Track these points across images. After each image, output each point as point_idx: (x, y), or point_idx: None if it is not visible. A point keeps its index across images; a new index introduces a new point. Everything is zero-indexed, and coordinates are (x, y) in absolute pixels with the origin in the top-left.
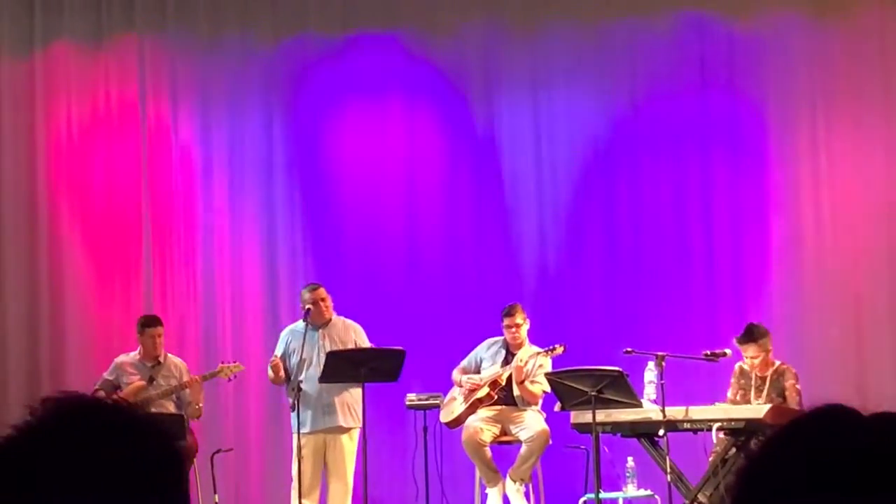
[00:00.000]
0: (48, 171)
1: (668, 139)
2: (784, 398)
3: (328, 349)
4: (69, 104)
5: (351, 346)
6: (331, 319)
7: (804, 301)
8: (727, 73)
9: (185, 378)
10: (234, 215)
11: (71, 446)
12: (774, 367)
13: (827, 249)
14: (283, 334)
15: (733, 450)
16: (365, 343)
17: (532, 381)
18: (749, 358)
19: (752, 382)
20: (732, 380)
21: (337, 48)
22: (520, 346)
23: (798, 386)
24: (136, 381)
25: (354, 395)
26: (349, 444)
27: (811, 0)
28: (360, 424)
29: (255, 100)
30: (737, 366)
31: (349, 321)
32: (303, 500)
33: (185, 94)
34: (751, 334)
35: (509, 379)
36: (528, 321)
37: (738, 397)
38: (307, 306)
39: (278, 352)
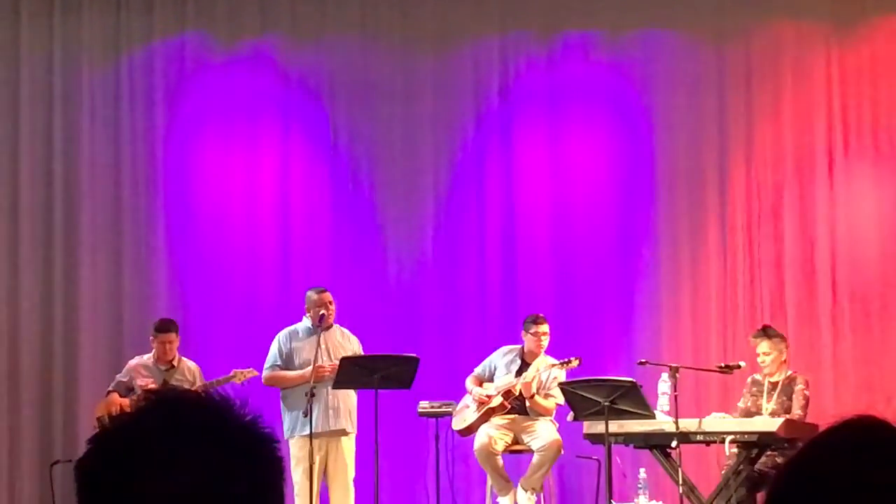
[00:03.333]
0: (66, 176)
1: (684, 151)
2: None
3: (331, 353)
4: (88, 111)
5: (349, 353)
6: (332, 325)
7: (820, 313)
8: (745, 86)
9: (199, 382)
10: (251, 221)
11: (172, 439)
12: (787, 374)
13: (842, 261)
14: (282, 336)
15: (746, 462)
16: (360, 353)
17: (546, 395)
18: (762, 354)
19: (764, 388)
20: (744, 390)
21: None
22: (537, 355)
23: (807, 392)
24: (150, 385)
25: (354, 399)
26: (350, 448)
27: (831, 13)
28: (356, 430)
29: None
30: (749, 378)
31: (345, 330)
32: None
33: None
34: (765, 331)
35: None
36: None
37: (748, 405)
38: (321, 309)
39: (275, 353)
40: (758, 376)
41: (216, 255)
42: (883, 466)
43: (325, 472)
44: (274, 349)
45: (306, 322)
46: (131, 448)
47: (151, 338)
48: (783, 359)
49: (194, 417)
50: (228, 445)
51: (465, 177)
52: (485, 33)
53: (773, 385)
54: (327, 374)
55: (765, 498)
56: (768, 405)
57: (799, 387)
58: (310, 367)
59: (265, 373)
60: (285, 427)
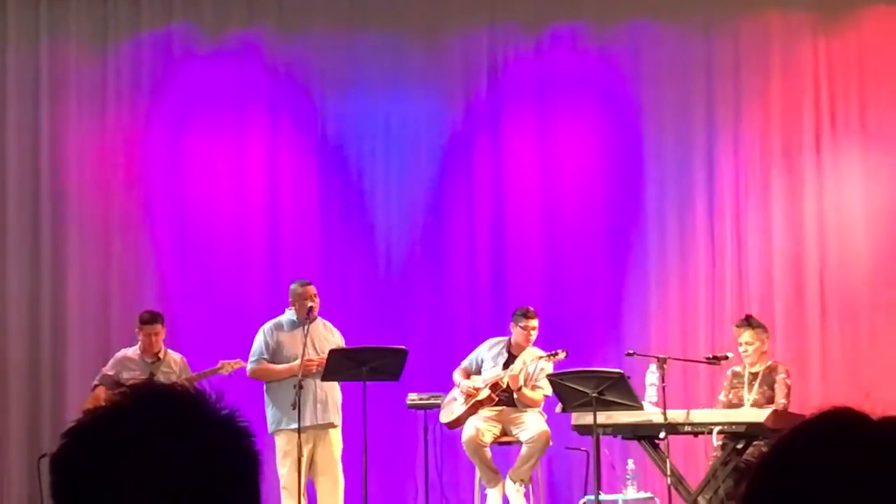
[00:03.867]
0: (52, 168)
1: (673, 147)
2: (774, 393)
3: (316, 346)
4: (74, 102)
5: (333, 346)
6: (316, 317)
7: (807, 304)
8: (733, 76)
9: (185, 374)
10: (236, 214)
11: (149, 432)
12: (768, 364)
13: (831, 253)
14: (267, 328)
15: (734, 453)
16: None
17: (534, 387)
18: (744, 344)
19: (745, 379)
20: (725, 383)
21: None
22: (524, 348)
23: (789, 381)
24: (136, 377)
25: (339, 393)
26: (338, 440)
27: (818, 3)
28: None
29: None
30: (729, 371)
31: (328, 323)
32: (302, 500)
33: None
34: (748, 321)
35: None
36: None
37: (730, 397)
38: (309, 302)
39: (260, 346)
40: (738, 368)
41: (204, 247)
42: (857, 458)
43: (311, 466)
44: (259, 342)
45: (290, 315)
46: (107, 441)
47: (137, 330)
48: (764, 349)
49: (170, 411)
50: (205, 439)
51: (455, 168)
52: (473, 25)
53: (754, 375)
54: (315, 367)
55: (744, 488)
56: (750, 395)
57: (780, 376)
58: (297, 361)
59: (250, 366)
60: (269, 420)
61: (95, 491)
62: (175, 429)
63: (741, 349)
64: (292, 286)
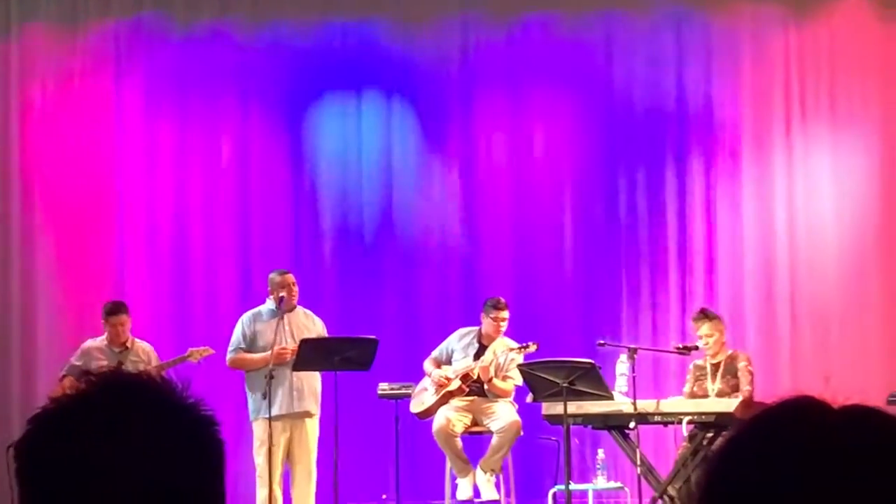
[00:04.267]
0: (22, 155)
1: (645, 136)
2: (738, 381)
3: (294, 335)
4: (44, 88)
5: (314, 335)
6: (295, 306)
7: (776, 296)
8: (704, 66)
9: (154, 362)
10: (207, 202)
11: (114, 420)
12: (728, 354)
13: (799, 247)
14: (245, 318)
15: (703, 443)
16: (325, 335)
17: (504, 377)
18: (704, 336)
19: (707, 371)
20: (688, 376)
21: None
22: (494, 339)
23: (751, 368)
24: (105, 367)
25: (317, 381)
26: (313, 430)
27: None
28: (319, 412)
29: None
30: (692, 364)
31: (309, 311)
32: (274, 488)
33: (160, 80)
34: (705, 313)
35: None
36: None
37: (695, 389)
38: (281, 292)
39: (238, 336)
40: (699, 361)
41: (174, 235)
42: (816, 445)
43: (288, 454)
44: (238, 332)
45: (269, 304)
46: (73, 427)
47: (103, 321)
48: (723, 339)
49: (136, 399)
50: (170, 427)
51: (426, 158)
52: (445, 13)
53: (716, 366)
54: (288, 356)
55: (703, 476)
56: (714, 386)
57: (742, 364)
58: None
59: (229, 356)
60: (250, 409)
61: (59, 477)
62: (140, 417)
63: (701, 342)
64: (271, 275)
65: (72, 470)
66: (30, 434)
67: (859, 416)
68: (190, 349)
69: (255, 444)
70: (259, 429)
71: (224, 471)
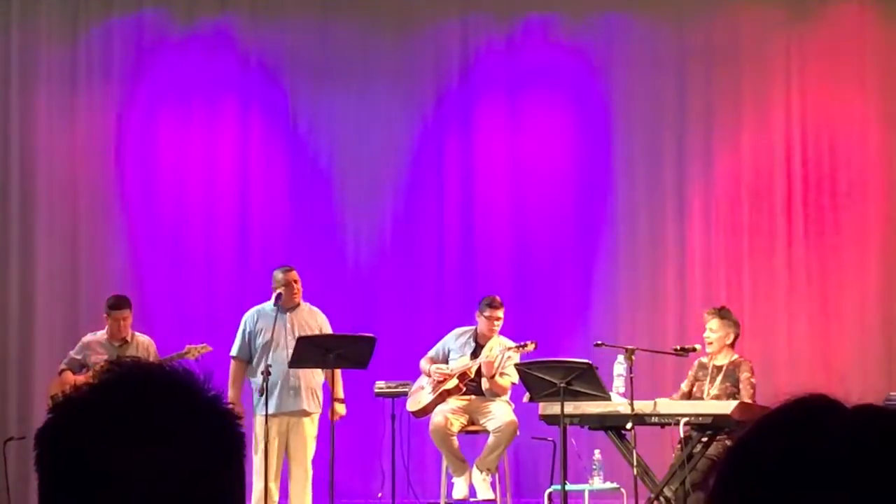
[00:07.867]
0: (21, 153)
1: (643, 134)
2: (738, 390)
3: (295, 333)
4: (44, 88)
5: (316, 332)
6: (299, 304)
7: (776, 298)
8: (704, 70)
9: (153, 357)
10: (207, 200)
11: (133, 410)
12: (732, 359)
13: (799, 246)
14: (248, 315)
15: (699, 445)
16: (328, 331)
17: (501, 374)
18: (709, 331)
19: (709, 372)
20: (690, 372)
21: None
22: (489, 338)
23: (753, 380)
24: (104, 361)
25: (318, 379)
26: (311, 429)
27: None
28: (321, 410)
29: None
30: (697, 361)
31: (315, 308)
32: (269, 484)
33: (161, 77)
34: (720, 310)
35: (478, 370)
36: None
37: (693, 388)
38: (280, 289)
39: (239, 336)
40: (704, 360)
41: (174, 234)
42: (828, 444)
43: (287, 452)
44: (238, 332)
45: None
46: (97, 416)
47: (105, 315)
48: (728, 342)
49: (161, 389)
50: (196, 419)
51: (425, 159)
52: (445, 15)
53: (718, 369)
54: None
55: (714, 478)
56: (712, 390)
57: (745, 374)
58: (276, 347)
59: (233, 355)
60: (253, 404)
61: (80, 465)
62: (163, 407)
63: (705, 335)
64: (274, 272)
65: (93, 458)
66: (52, 421)
67: (874, 415)
68: (188, 346)
69: (253, 440)
70: (257, 425)
71: (244, 463)
